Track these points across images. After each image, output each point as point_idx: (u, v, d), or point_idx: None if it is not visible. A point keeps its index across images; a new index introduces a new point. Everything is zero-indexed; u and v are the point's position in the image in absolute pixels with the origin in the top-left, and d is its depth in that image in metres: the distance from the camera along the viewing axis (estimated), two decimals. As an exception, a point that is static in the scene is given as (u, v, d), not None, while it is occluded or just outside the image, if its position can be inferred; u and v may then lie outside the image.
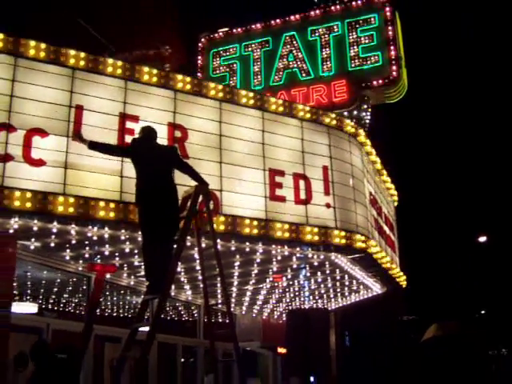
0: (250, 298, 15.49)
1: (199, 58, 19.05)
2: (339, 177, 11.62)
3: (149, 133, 7.76)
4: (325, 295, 15.95)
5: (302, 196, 10.96)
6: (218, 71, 18.67)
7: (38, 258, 10.58)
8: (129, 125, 9.57)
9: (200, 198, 7.39)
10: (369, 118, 16.80)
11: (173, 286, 12.67)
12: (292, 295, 15.65)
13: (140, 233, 9.08)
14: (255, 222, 10.23)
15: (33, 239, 9.67)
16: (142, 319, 7.15)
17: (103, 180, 9.12)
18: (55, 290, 13.01)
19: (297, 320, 10.26)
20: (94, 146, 7.52)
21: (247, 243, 10.41)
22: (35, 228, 9.02)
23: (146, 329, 6.69)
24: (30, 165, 8.66)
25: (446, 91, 50.28)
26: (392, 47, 16.99)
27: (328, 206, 11.24)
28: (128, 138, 9.30)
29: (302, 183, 11.02)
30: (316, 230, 10.87)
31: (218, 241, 9.22)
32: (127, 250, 10.37)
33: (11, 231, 9.12)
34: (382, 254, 12.91)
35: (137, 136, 7.73)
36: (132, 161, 7.69)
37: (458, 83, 42.95)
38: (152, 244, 6.96)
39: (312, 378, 17.59)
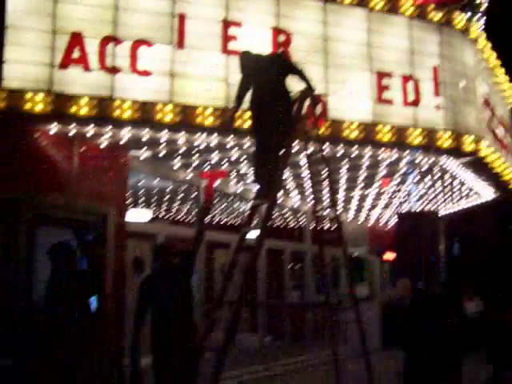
0: (356, 203, 15.45)
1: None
2: (450, 77, 11.06)
3: (249, 52, 7.53)
4: (433, 201, 15.62)
5: (411, 98, 10.55)
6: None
7: (149, 168, 10.93)
8: (231, 31, 9.43)
9: (307, 103, 7.23)
10: (484, 12, 15.72)
11: (280, 193, 12.80)
12: (399, 201, 15.45)
13: (248, 139, 9.15)
14: (362, 126, 10.05)
15: (143, 149, 9.94)
16: (250, 225, 7.21)
17: (209, 87, 9.14)
18: (166, 198, 13.47)
19: (407, 223, 10.12)
20: (237, 105, 7.41)
21: (354, 147, 10.24)
22: (145, 138, 9.24)
23: (255, 234, 6.75)
24: (138, 75, 8.79)
25: None
26: None
27: (438, 107, 10.81)
28: (231, 45, 9.23)
29: (410, 85, 10.58)
30: (425, 132, 10.52)
31: (326, 146, 9.12)
32: (234, 158, 10.48)
33: (123, 142, 9.42)
34: (495, 157, 12.35)
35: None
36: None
37: None
38: (261, 150, 6.93)
39: (419, 284, 17.57)
